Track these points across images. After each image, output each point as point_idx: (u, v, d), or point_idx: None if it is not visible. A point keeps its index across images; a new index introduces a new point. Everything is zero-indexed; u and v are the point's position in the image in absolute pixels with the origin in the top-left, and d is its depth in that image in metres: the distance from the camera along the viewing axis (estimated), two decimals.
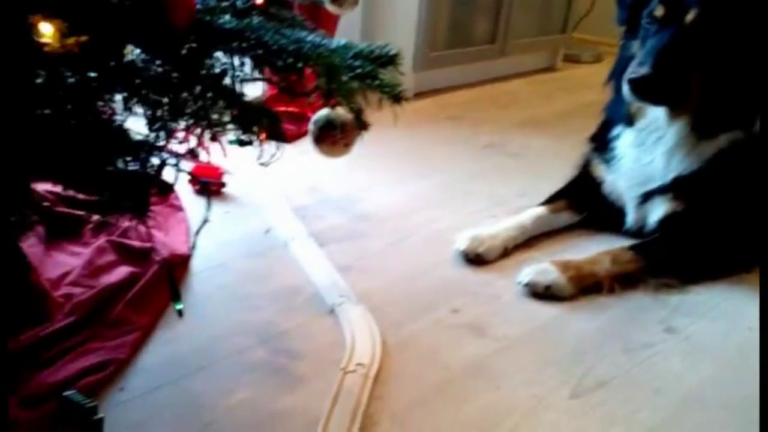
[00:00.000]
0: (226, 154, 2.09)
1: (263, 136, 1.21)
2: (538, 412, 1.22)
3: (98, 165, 0.95)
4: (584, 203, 1.88)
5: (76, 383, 1.20)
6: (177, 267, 1.58)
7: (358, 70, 1.08)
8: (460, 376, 1.30)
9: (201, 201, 1.94)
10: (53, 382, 1.20)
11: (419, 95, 3.06)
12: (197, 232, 1.51)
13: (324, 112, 1.83)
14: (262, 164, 1.23)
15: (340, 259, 1.66)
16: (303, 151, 2.34)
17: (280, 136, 1.21)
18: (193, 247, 1.59)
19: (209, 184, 2.01)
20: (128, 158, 1.00)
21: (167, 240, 1.67)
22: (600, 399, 1.26)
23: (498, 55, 3.32)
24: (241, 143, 1.15)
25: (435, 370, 1.31)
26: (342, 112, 1.83)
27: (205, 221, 1.28)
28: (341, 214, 1.93)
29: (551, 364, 1.35)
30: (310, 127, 1.84)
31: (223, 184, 2.02)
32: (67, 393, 1.17)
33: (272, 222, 1.85)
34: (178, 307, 1.25)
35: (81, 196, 1.85)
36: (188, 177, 2.02)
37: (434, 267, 1.67)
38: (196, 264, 1.62)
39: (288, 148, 2.15)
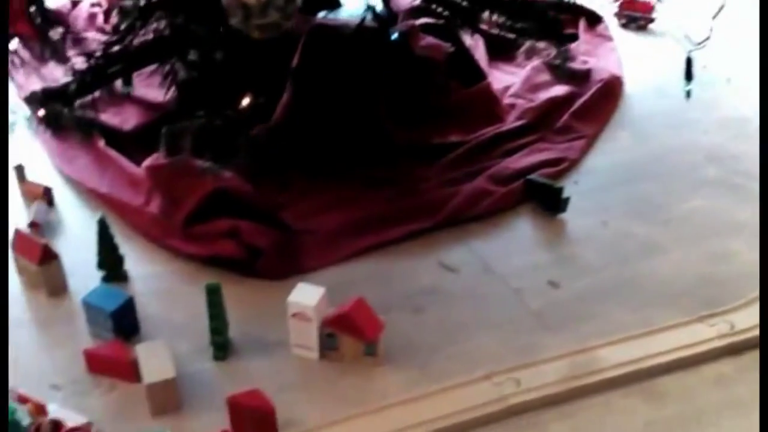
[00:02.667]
0: None
1: None
2: None
3: None
4: None
5: (536, 171, 1.39)
6: (615, 88, 1.69)
7: None
8: None
9: (627, 34, 2.00)
10: (516, 168, 1.41)
11: None
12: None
13: None
14: None
15: None
16: None
17: None
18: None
19: (638, 19, 2.05)
20: None
21: (601, 64, 1.78)
22: None
23: None
24: None
25: None
26: None
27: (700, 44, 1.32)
28: None
29: None
30: None
31: (651, 20, 2.04)
32: (531, 177, 1.37)
33: (709, 57, 1.84)
34: (687, 88, 1.35)
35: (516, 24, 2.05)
36: (616, 10, 2.08)
37: None
38: (632, 87, 1.70)
39: None
